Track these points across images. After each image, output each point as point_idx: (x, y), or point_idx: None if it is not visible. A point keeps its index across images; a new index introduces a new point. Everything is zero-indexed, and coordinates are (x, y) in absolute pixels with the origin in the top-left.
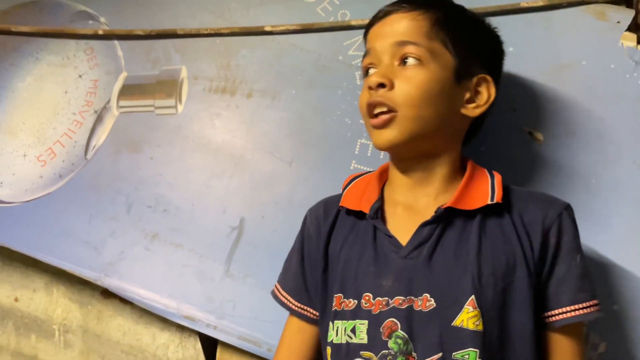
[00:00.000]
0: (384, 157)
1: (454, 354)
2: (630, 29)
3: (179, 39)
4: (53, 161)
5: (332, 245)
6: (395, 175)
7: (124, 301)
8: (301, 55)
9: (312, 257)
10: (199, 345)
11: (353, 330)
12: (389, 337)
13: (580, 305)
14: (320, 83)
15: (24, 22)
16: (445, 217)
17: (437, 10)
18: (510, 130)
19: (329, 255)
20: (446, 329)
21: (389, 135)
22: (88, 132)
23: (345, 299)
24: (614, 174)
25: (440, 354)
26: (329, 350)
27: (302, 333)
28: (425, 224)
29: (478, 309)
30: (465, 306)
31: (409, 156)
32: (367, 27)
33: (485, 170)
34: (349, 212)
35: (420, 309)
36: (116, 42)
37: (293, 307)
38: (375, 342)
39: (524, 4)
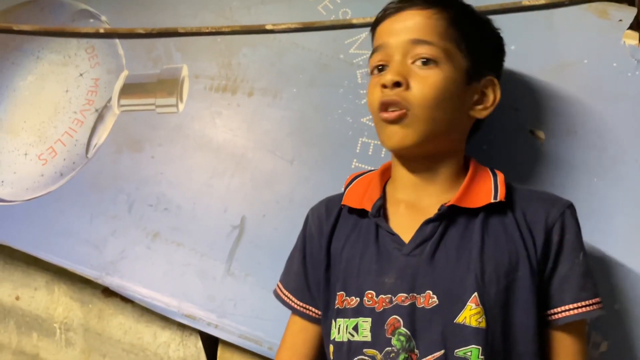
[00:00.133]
0: (385, 156)
1: (456, 351)
2: (632, 27)
3: (180, 38)
4: (54, 160)
5: (335, 244)
6: (399, 174)
7: (125, 300)
8: (302, 53)
9: (314, 256)
10: (200, 344)
11: (355, 328)
12: (392, 334)
13: (583, 303)
14: (321, 82)
15: (26, 21)
16: (448, 215)
17: (451, 10)
18: (512, 128)
19: (331, 253)
20: (449, 326)
21: (402, 135)
22: (89, 131)
23: (347, 297)
24: (615, 173)
25: (442, 351)
26: (331, 348)
27: (304, 332)
28: (428, 222)
29: (481, 306)
30: (467, 303)
31: (417, 156)
32: (376, 22)
33: (488, 169)
34: (351, 210)
35: (423, 306)
36: (117, 40)
37: (295, 306)
38: (379, 339)
39: (525, 2)
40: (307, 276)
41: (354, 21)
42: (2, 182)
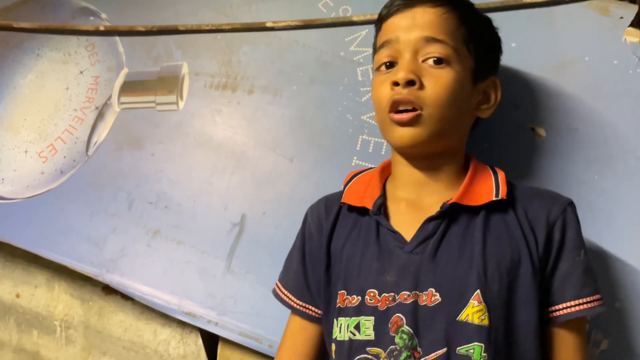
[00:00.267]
0: (385, 153)
1: (458, 348)
2: (633, 24)
3: (180, 35)
4: (54, 157)
5: (335, 243)
6: (401, 172)
7: (125, 297)
8: (303, 51)
9: (313, 255)
10: (200, 342)
11: (357, 327)
12: (396, 332)
13: (584, 300)
14: (321, 79)
15: (26, 19)
16: (450, 213)
17: (460, 10)
18: (513, 126)
19: (331, 252)
20: (451, 323)
21: (414, 133)
22: (89, 129)
23: (348, 296)
24: (616, 170)
25: (445, 349)
26: (333, 347)
27: (304, 331)
28: (430, 219)
29: (483, 304)
30: (470, 301)
31: (421, 155)
32: (383, 18)
33: (488, 167)
34: (351, 208)
35: (426, 304)
36: (117, 38)
37: (295, 305)
38: (383, 338)
39: (526, 0)
40: (306, 275)
41: (355, 18)
42: (3, 179)
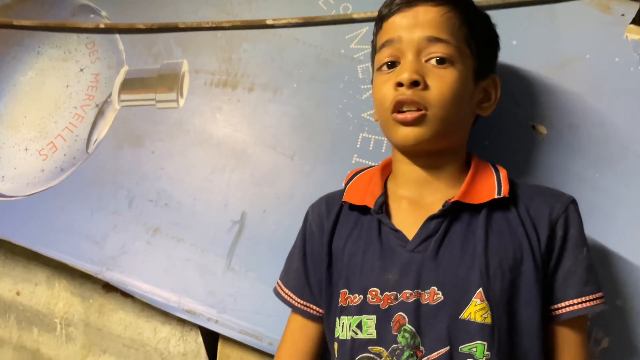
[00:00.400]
0: (386, 151)
1: (461, 347)
2: (635, 21)
3: (180, 33)
4: (54, 155)
5: (336, 241)
6: (402, 170)
7: (126, 295)
8: (303, 48)
9: (314, 254)
10: (200, 339)
11: (359, 326)
12: (398, 331)
13: (587, 298)
14: (322, 77)
15: (26, 16)
16: (452, 211)
17: (461, 8)
18: (514, 124)
19: (332, 251)
20: (454, 322)
21: (418, 133)
22: (89, 126)
23: (350, 295)
24: (617, 168)
25: (447, 348)
26: (335, 346)
27: (305, 330)
28: (432, 218)
29: (486, 302)
30: (472, 299)
31: (424, 153)
32: (384, 16)
33: (489, 165)
34: (352, 207)
35: (428, 302)
36: (117, 35)
37: (296, 304)
38: (385, 336)
39: None
40: (307, 274)
41: (355, 16)
42: (3, 177)
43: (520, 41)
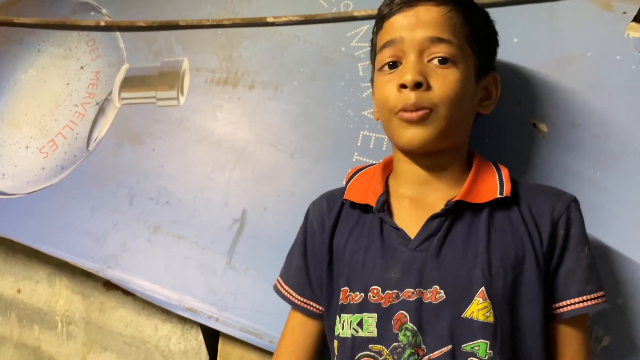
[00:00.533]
0: (386, 149)
1: (463, 345)
2: (636, 19)
3: (180, 31)
4: (55, 153)
5: (337, 239)
6: (403, 169)
7: (126, 293)
8: (304, 46)
9: (315, 251)
10: (200, 337)
11: (360, 324)
12: (399, 329)
13: (588, 297)
14: (322, 75)
15: (26, 14)
16: (454, 210)
17: (463, 8)
18: (515, 122)
19: (333, 249)
20: (456, 320)
21: (424, 134)
22: (90, 124)
23: (351, 293)
24: (618, 166)
25: (450, 346)
26: (335, 343)
27: (305, 327)
28: (434, 217)
29: (488, 301)
30: (475, 298)
31: (426, 152)
32: (385, 16)
33: (491, 164)
34: (354, 205)
35: (430, 301)
36: (118, 33)
37: (296, 301)
38: (386, 335)
39: None
40: (308, 271)
41: (356, 13)
42: (4, 175)
43: (521, 39)
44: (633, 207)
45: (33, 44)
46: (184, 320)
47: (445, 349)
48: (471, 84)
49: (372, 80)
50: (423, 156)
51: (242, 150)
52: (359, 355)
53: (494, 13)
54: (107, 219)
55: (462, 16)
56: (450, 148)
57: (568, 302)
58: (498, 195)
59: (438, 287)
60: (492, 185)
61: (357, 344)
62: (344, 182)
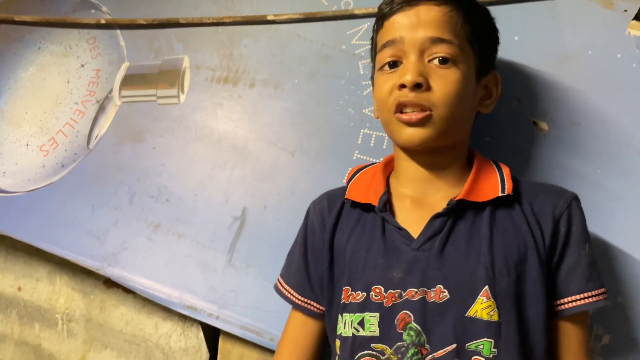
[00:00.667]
0: (387, 147)
1: (468, 344)
2: (637, 17)
3: (181, 29)
4: (55, 151)
5: (338, 238)
6: (404, 168)
7: (127, 291)
8: (304, 44)
9: (316, 251)
10: (201, 335)
11: (361, 323)
12: (404, 329)
13: (589, 294)
14: (323, 73)
15: (27, 12)
16: (457, 210)
17: (464, 7)
18: (515, 120)
19: (334, 248)
20: (460, 319)
21: (424, 134)
22: (90, 122)
23: (353, 292)
24: (619, 165)
25: (454, 345)
26: (337, 343)
27: (305, 326)
28: (436, 216)
29: (492, 300)
30: (479, 297)
31: (427, 152)
32: (386, 15)
33: (492, 162)
34: (355, 204)
35: (434, 301)
36: (118, 31)
37: (297, 301)
38: (390, 334)
39: None
40: (308, 271)
41: (356, 12)
42: (4, 173)
43: (522, 37)
44: (633, 206)
45: (33, 42)
46: (184, 318)
47: (449, 348)
48: (472, 83)
49: (372, 79)
50: (424, 154)
51: (242, 148)
52: (360, 354)
53: (494, 11)
54: (108, 217)
55: (463, 15)
56: (450, 146)
57: (569, 299)
58: (500, 194)
59: (442, 287)
60: (494, 183)
61: (358, 343)
62: (345, 182)
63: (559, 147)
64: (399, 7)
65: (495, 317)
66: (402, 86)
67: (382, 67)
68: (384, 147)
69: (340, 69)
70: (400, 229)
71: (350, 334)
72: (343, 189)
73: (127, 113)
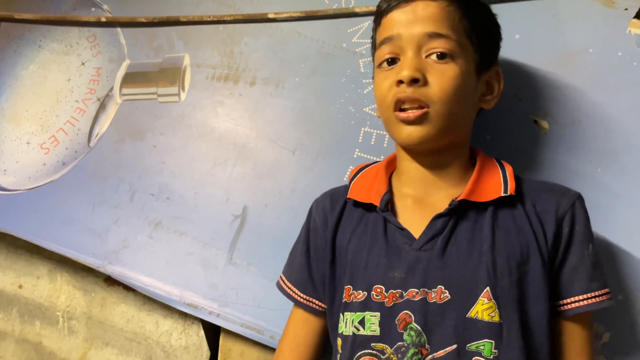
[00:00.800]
0: (388, 146)
1: (468, 345)
2: (638, 16)
3: (181, 27)
4: (56, 149)
5: (340, 237)
6: (406, 167)
7: (128, 288)
8: (305, 42)
9: (318, 249)
10: (202, 333)
11: (361, 322)
12: (404, 329)
13: (593, 294)
14: (323, 71)
15: (27, 10)
16: (459, 210)
17: (461, 2)
18: (516, 118)
19: (336, 247)
20: (461, 320)
21: (422, 131)
22: (91, 120)
23: (354, 291)
24: (620, 163)
25: (455, 346)
26: (339, 341)
27: (307, 324)
28: (438, 216)
29: (493, 301)
30: (480, 298)
31: (428, 151)
32: (383, 12)
33: (494, 161)
34: (357, 203)
35: (435, 301)
36: (119, 29)
37: (299, 298)
38: (390, 334)
39: None
40: (310, 269)
41: (357, 10)
42: (5, 171)
43: (523, 35)
44: (634, 204)
45: (34, 40)
46: (185, 316)
47: (449, 349)
48: (471, 78)
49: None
50: (425, 154)
51: (243, 146)
52: (360, 353)
53: (495, 9)
54: (108, 215)
55: (461, 10)
56: (451, 144)
57: (572, 299)
58: (502, 194)
59: (443, 287)
60: (496, 183)
61: (358, 342)
62: (347, 180)
63: (560, 145)
64: (396, 4)
65: (496, 318)
66: (400, 82)
67: (380, 64)
68: (385, 145)
69: (341, 67)
70: (402, 229)
71: (350, 333)
72: (345, 188)
73: (127, 111)
